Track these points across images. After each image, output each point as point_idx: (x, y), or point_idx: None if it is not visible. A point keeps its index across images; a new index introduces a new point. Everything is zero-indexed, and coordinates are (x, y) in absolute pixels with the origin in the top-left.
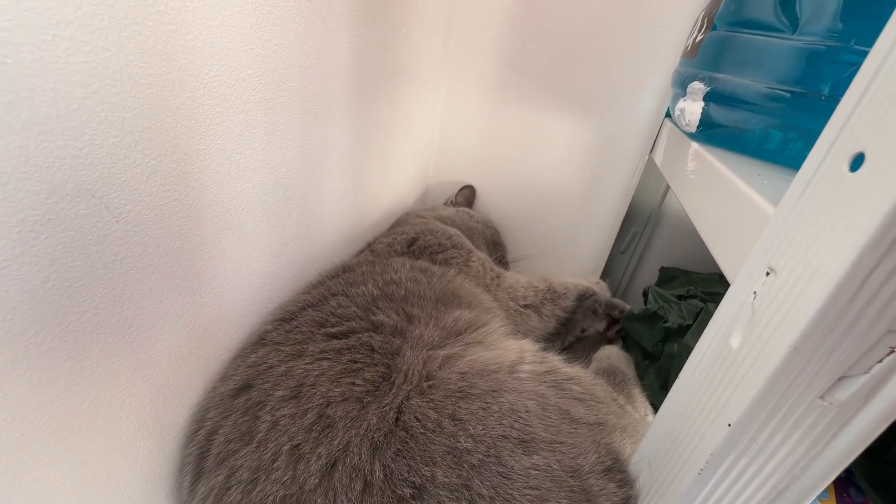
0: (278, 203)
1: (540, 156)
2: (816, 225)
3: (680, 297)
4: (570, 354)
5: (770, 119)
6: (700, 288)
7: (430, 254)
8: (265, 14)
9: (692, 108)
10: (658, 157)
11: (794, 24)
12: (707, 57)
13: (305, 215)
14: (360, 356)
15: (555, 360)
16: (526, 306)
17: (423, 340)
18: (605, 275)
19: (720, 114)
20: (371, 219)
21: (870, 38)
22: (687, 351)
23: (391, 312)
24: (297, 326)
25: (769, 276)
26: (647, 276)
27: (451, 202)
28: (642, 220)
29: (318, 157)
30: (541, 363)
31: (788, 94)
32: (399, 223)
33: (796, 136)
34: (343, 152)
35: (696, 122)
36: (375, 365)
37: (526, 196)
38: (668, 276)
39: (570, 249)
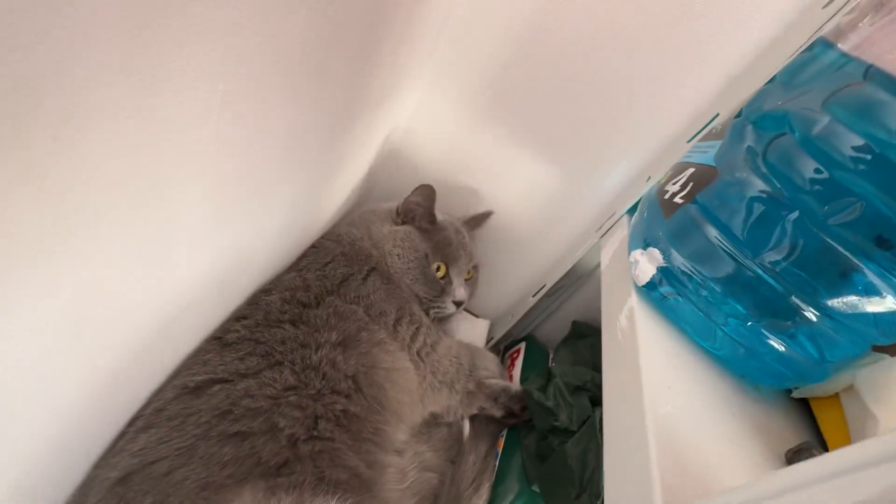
0: None
1: (498, 184)
2: None
3: (577, 389)
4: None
5: (710, 321)
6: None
7: (363, 297)
8: None
9: (644, 268)
10: (604, 260)
11: (755, 249)
12: (674, 230)
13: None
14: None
15: None
16: (441, 382)
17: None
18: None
19: (667, 289)
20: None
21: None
22: (563, 458)
23: (294, 421)
24: (198, 409)
25: None
26: (560, 324)
27: (399, 210)
28: (574, 278)
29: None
30: None
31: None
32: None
33: (725, 346)
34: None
35: (644, 282)
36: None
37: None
38: (578, 332)
39: (499, 281)
